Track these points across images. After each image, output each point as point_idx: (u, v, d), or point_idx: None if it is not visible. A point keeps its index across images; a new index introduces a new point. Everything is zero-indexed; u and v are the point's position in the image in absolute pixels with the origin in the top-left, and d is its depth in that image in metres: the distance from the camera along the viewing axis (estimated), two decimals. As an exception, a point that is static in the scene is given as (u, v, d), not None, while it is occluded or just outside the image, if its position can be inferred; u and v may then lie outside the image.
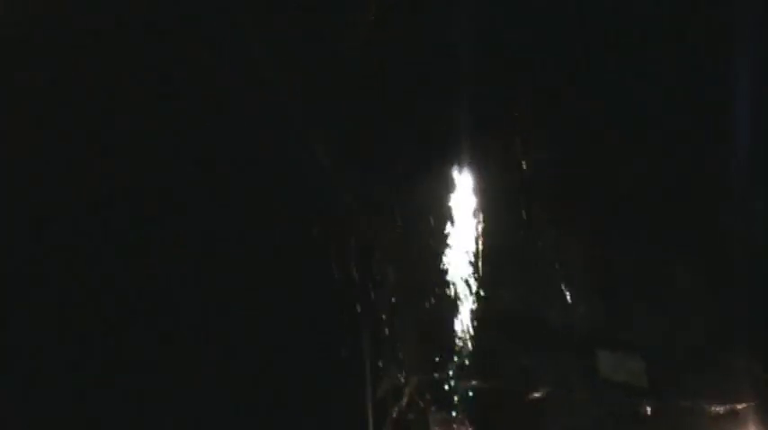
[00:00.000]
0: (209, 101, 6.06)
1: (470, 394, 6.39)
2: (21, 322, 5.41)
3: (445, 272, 6.60)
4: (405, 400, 6.48)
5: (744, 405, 5.59)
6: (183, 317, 6.05)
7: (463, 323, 6.51)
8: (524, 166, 6.44)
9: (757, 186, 5.80)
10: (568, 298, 6.32)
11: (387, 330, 6.48)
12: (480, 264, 6.60)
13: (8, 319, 5.36)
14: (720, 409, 5.65)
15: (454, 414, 6.42)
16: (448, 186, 6.61)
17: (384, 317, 6.51)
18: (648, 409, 5.79)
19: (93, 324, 5.78)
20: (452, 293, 6.56)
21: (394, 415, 6.34)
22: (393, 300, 6.57)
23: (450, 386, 6.45)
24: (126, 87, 5.91)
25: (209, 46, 6.06)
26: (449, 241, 6.58)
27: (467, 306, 6.51)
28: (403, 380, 6.59)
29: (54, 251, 5.62)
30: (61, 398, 5.55)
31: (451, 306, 6.51)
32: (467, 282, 6.55)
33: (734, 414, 5.62)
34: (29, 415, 5.37)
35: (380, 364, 6.35)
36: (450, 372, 6.48)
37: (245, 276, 6.28)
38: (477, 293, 6.53)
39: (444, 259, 6.62)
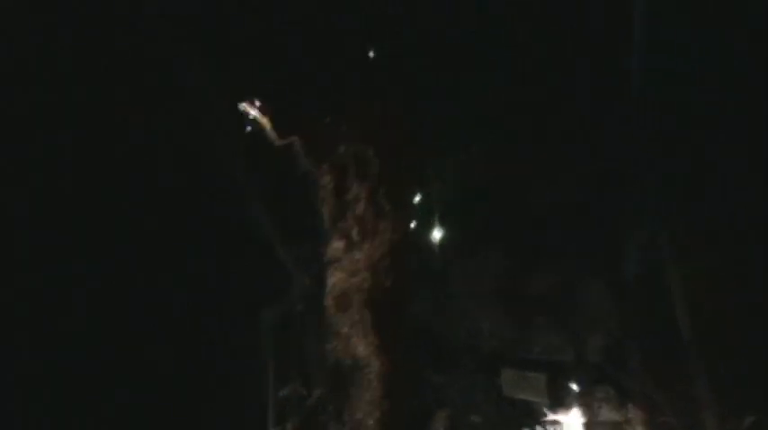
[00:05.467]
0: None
1: (377, 411, 6.28)
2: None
3: (352, 289, 6.57)
4: (306, 412, 6.35)
5: (634, 419, 5.74)
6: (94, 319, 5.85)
7: (369, 340, 6.46)
8: (434, 187, 6.60)
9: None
10: (475, 317, 6.43)
11: (292, 343, 6.39)
12: (389, 283, 6.62)
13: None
14: (612, 423, 5.79)
15: None
16: (360, 207, 6.66)
17: (291, 328, 6.43)
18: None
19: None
20: (360, 310, 6.53)
21: (293, 426, 6.20)
22: (301, 311, 6.52)
23: (355, 401, 6.35)
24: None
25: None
26: (357, 259, 6.58)
27: (374, 323, 6.48)
28: (306, 391, 6.48)
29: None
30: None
31: (357, 322, 6.47)
32: (373, 300, 6.53)
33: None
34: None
35: (283, 376, 6.23)
36: (355, 388, 6.38)
37: (158, 284, 6.14)
38: (386, 311, 6.52)
39: (352, 275, 6.61)
